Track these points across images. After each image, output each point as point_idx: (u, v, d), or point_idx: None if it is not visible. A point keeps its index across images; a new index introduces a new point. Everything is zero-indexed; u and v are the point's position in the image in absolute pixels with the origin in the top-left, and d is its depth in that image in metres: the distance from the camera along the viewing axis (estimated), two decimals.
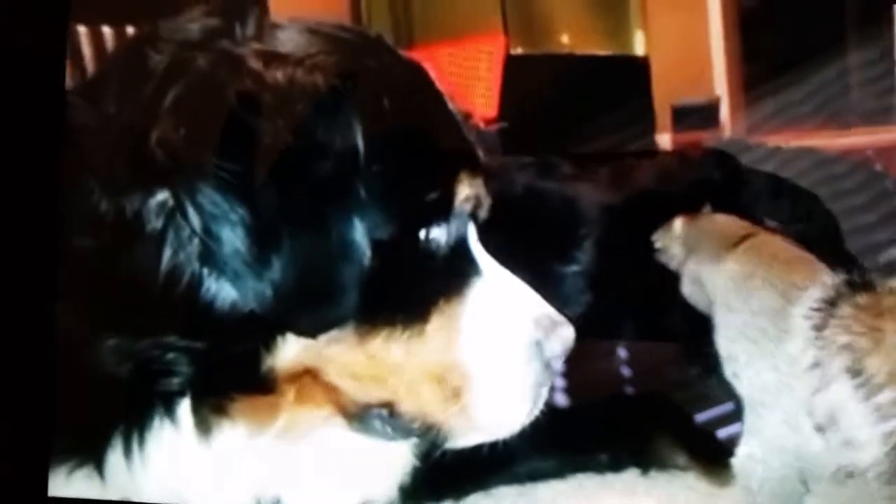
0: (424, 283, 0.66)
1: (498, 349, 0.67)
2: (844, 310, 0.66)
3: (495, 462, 0.78)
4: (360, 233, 0.61)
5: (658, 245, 0.86)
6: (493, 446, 0.70)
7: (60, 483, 0.66)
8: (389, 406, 0.66)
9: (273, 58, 0.63)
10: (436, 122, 0.69)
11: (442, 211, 0.66)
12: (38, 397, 0.70)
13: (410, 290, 0.65)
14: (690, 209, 0.86)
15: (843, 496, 0.71)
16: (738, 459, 0.73)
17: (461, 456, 0.70)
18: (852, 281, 0.67)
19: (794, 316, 0.68)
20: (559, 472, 0.84)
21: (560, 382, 0.86)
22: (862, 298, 0.66)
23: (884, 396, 0.63)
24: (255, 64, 0.62)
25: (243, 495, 0.69)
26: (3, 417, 0.73)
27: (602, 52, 2.01)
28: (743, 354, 0.72)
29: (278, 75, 0.61)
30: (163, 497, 0.67)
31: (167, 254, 0.60)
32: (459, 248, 0.68)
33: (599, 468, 0.85)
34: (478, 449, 0.70)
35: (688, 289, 0.82)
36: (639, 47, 1.96)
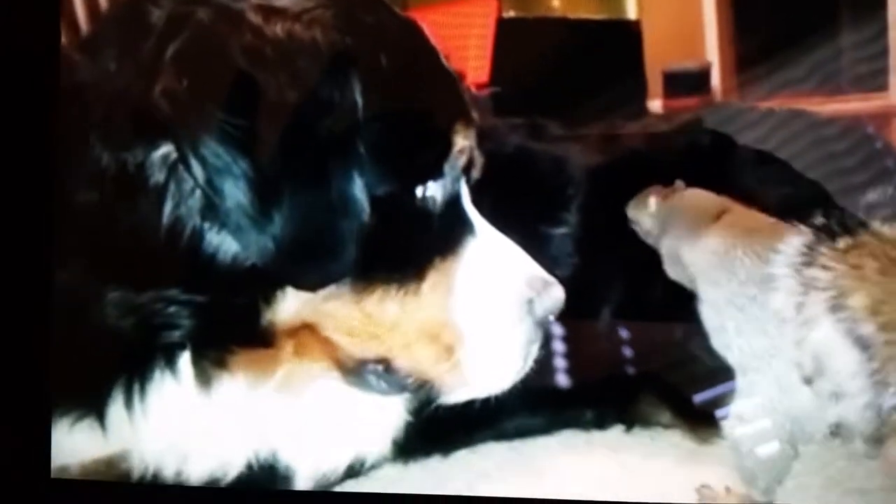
0: (420, 241, 0.67)
1: (490, 308, 0.68)
2: (825, 252, 0.67)
3: (483, 418, 0.80)
4: (359, 188, 0.62)
5: (631, 216, 0.86)
6: (482, 403, 0.71)
7: (63, 434, 0.68)
8: (384, 362, 0.68)
9: (271, 12, 0.63)
10: (431, 78, 0.69)
11: (438, 163, 0.66)
12: (37, 377, 0.71)
13: (406, 248, 0.66)
14: (675, 176, 0.86)
15: (830, 459, 0.74)
16: (729, 421, 0.73)
17: (450, 412, 0.71)
18: (830, 226, 0.68)
19: (777, 269, 0.69)
20: (546, 429, 0.86)
21: (561, 363, 0.87)
22: (842, 242, 0.67)
23: (866, 328, 0.63)
24: (254, 18, 0.62)
25: (242, 447, 0.71)
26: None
27: (594, 17, 2.00)
28: (731, 323, 0.72)
29: (277, 29, 0.62)
30: (163, 448, 0.69)
31: (169, 207, 0.61)
32: (453, 207, 0.69)
33: (585, 425, 0.86)
34: (466, 405, 0.71)
35: (671, 270, 0.82)
36: (631, 12, 1.95)
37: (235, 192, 0.59)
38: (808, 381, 0.68)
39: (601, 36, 1.96)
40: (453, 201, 0.69)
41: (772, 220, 0.77)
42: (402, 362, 0.68)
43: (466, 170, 0.71)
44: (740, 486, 0.73)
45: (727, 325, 0.73)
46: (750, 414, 0.72)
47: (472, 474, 0.80)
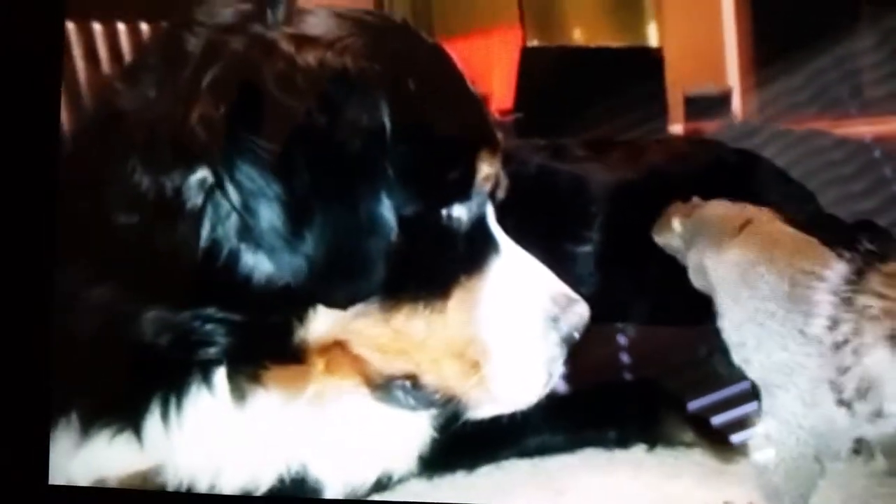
0: (446, 260, 0.68)
1: (516, 325, 0.69)
2: (874, 279, 0.65)
3: (507, 435, 0.81)
4: (387, 209, 0.63)
5: (658, 241, 0.86)
6: (506, 420, 0.72)
7: (102, 447, 0.69)
8: (412, 378, 0.69)
9: (304, 41, 0.65)
10: (458, 103, 0.71)
11: (463, 189, 0.68)
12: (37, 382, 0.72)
13: (433, 266, 0.68)
14: (695, 192, 0.86)
15: (852, 477, 0.73)
16: (755, 440, 0.73)
17: (475, 429, 0.72)
18: (874, 252, 0.67)
19: (818, 295, 0.68)
20: (568, 447, 0.86)
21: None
22: (887, 267, 0.66)
23: None
24: (286, 47, 0.64)
25: (274, 461, 0.72)
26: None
27: (616, 44, 2.01)
28: (751, 339, 0.72)
29: (309, 58, 0.64)
30: (198, 461, 0.70)
31: (206, 229, 0.63)
32: (479, 226, 0.70)
33: (607, 444, 0.86)
34: (491, 422, 0.72)
35: (696, 280, 0.82)
36: (652, 39, 1.96)
37: (270, 215, 0.60)
38: (846, 404, 0.66)
39: (622, 62, 1.97)
40: (479, 221, 0.70)
41: (795, 232, 0.76)
42: (429, 378, 0.69)
43: (492, 191, 0.72)
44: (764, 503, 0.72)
45: (747, 340, 0.73)
46: (775, 432, 0.71)
47: (496, 490, 0.81)
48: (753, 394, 0.75)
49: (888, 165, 1.00)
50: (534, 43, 1.93)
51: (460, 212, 0.68)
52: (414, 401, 0.70)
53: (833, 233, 0.76)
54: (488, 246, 0.71)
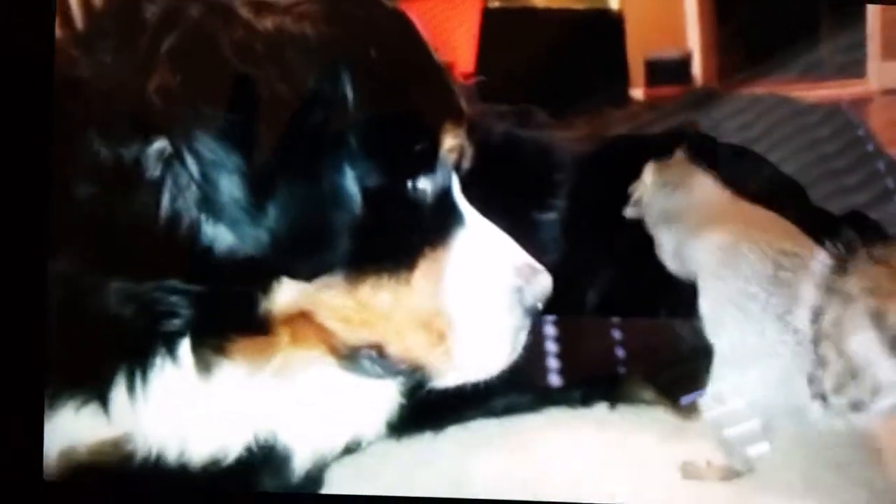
0: (411, 232, 0.67)
1: (480, 296, 0.69)
2: (859, 268, 0.66)
3: (473, 396, 0.79)
4: (351, 180, 0.62)
5: (634, 196, 0.85)
6: (472, 386, 0.72)
7: (68, 419, 0.68)
8: (378, 348, 0.69)
9: (262, 6, 0.63)
10: (421, 72, 0.70)
11: (428, 160, 0.67)
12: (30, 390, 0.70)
13: (397, 238, 0.67)
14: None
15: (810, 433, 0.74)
16: (706, 399, 0.75)
17: (441, 392, 0.72)
18: (857, 241, 0.68)
19: (802, 285, 0.69)
20: (533, 407, 0.87)
21: (554, 363, 0.88)
22: (872, 255, 0.67)
23: None
24: (244, 13, 0.62)
25: (241, 430, 0.72)
26: None
27: (578, 6, 1.99)
28: (729, 319, 0.72)
29: (268, 23, 0.62)
30: (165, 431, 0.70)
31: (166, 200, 0.61)
32: (444, 198, 0.69)
33: (571, 402, 0.88)
34: (457, 389, 0.72)
35: (668, 261, 0.82)
36: (613, 2, 1.94)
37: (230, 186, 0.59)
38: (822, 397, 0.68)
39: (584, 25, 1.95)
40: (444, 193, 0.69)
41: (770, 214, 0.77)
42: (395, 348, 0.69)
43: (457, 161, 0.71)
44: (721, 459, 0.74)
45: (725, 319, 0.73)
46: (727, 396, 0.73)
47: (464, 448, 0.82)
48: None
49: (860, 128, 1.01)
50: (495, 4, 1.90)
51: (425, 184, 0.67)
52: (381, 370, 0.70)
53: (821, 224, 0.75)
54: (453, 217, 0.70)
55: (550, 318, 0.89)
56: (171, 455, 0.70)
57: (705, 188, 0.82)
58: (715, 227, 0.77)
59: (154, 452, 0.70)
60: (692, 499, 0.75)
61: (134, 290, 0.63)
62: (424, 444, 0.83)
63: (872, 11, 1.44)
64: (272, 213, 0.60)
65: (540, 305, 0.71)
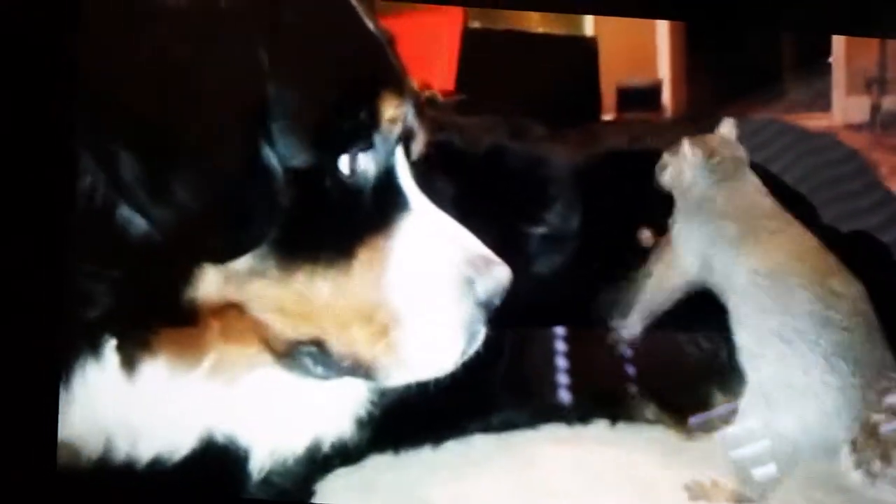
0: (349, 217, 0.58)
1: (427, 287, 0.59)
2: None
3: (471, 410, 0.75)
4: (266, 155, 0.53)
5: (670, 168, 0.73)
6: (470, 396, 0.66)
7: None
8: (318, 343, 0.59)
9: None
10: (351, 40, 0.60)
11: (364, 133, 0.57)
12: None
13: (334, 223, 0.57)
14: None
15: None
16: (731, 431, 0.67)
17: (439, 403, 0.64)
18: None
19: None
20: (531, 423, 0.79)
21: (564, 380, 0.80)
22: None
23: None
24: None
25: (187, 433, 0.62)
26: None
27: (555, 32, 1.94)
28: (773, 354, 0.64)
29: None
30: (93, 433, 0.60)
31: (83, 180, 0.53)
32: (388, 181, 0.60)
33: (569, 419, 0.80)
34: (455, 397, 0.63)
35: (686, 255, 0.72)
36: (588, 29, 1.89)
37: (130, 163, 0.50)
38: (870, 473, 0.61)
39: (561, 50, 1.90)
40: (387, 175, 0.59)
41: (815, 243, 0.68)
42: (336, 343, 0.59)
43: (406, 143, 0.62)
44: (728, 479, 0.67)
45: (767, 353, 0.65)
46: (759, 432, 0.65)
47: (465, 463, 0.74)
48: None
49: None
50: (475, 25, 1.83)
51: (365, 164, 0.57)
52: (323, 368, 0.60)
53: (830, 245, 0.68)
54: (398, 203, 0.60)
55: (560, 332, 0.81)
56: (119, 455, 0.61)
57: (754, 191, 0.72)
58: (760, 246, 0.68)
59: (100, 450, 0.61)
60: None
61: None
62: (423, 458, 0.75)
63: (837, 46, 1.39)
64: (179, 192, 0.51)
65: (497, 301, 0.61)
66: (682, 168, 0.73)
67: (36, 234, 0.62)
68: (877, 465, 0.60)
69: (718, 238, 0.70)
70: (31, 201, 0.62)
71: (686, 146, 0.73)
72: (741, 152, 0.73)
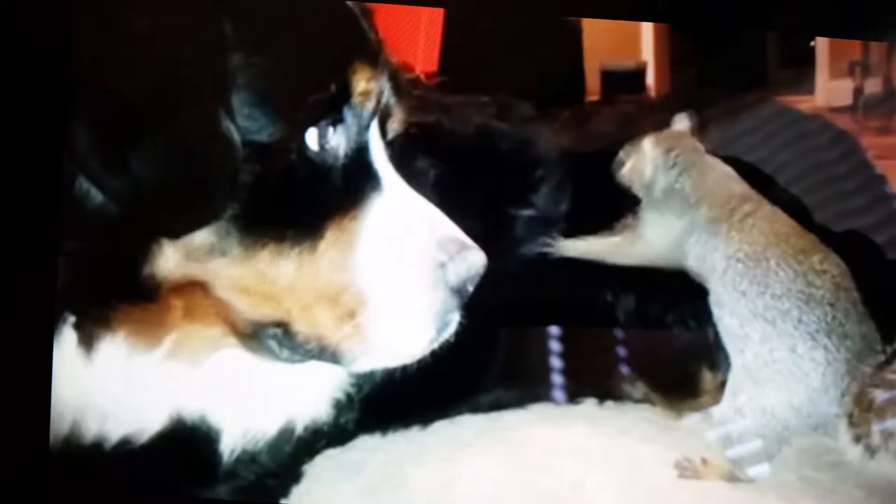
0: (316, 195, 0.55)
1: (396, 270, 0.57)
2: None
3: (459, 391, 0.74)
4: (227, 126, 0.51)
5: (628, 164, 0.73)
6: (458, 376, 0.64)
7: None
8: (283, 325, 0.57)
9: None
10: (321, 8, 0.57)
11: (333, 106, 0.55)
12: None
13: (300, 201, 0.55)
14: None
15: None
16: (722, 409, 0.66)
17: (424, 383, 0.62)
18: None
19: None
20: (520, 402, 0.77)
21: (559, 379, 0.79)
22: None
23: None
24: None
25: (155, 412, 0.60)
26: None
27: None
28: (756, 334, 0.64)
29: None
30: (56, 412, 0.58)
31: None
32: (359, 159, 0.57)
33: (558, 399, 0.78)
34: (445, 378, 0.62)
35: (659, 245, 0.71)
36: None
37: (85, 134, 0.48)
38: (869, 449, 0.60)
39: (544, 31, 1.87)
40: (358, 153, 0.57)
41: (791, 221, 0.67)
42: (301, 326, 0.56)
43: (382, 122, 0.59)
44: (717, 457, 0.66)
45: (751, 334, 0.64)
46: (747, 410, 0.65)
47: (455, 443, 0.72)
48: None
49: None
50: None
51: (335, 139, 0.55)
52: (289, 351, 0.58)
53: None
54: (369, 182, 0.58)
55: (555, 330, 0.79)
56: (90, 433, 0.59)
57: (719, 175, 0.71)
58: (735, 230, 0.67)
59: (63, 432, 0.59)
60: (686, 498, 0.66)
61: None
62: (411, 438, 0.74)
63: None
64: (133, 163, 0.48)
65: (470, 287, 0.59)
66: (641, 164, 0.72)
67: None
68: (876, 439, 0.60)
69: (695, 228, 0.69)
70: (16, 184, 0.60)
71: (647, 143, 0.72)
72: (698, 144, 0.73)
